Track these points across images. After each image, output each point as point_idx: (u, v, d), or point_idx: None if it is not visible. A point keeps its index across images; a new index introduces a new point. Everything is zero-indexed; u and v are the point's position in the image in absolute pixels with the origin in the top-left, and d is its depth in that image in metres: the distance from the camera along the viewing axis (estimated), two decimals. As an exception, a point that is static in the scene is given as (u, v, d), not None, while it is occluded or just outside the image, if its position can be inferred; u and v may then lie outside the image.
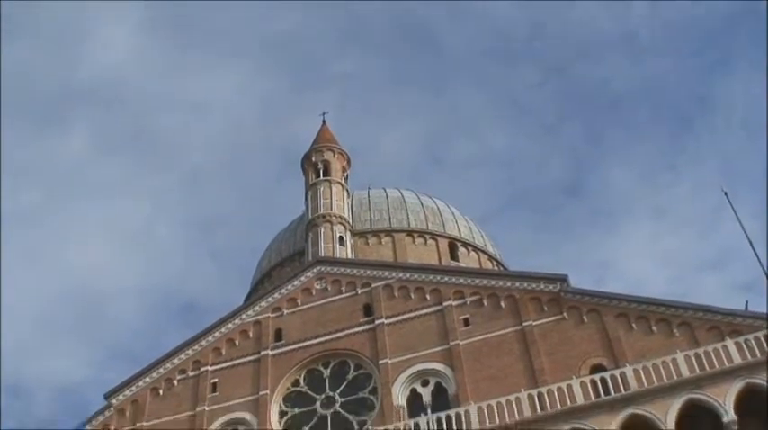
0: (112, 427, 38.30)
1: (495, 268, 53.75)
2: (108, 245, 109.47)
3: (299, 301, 40.16)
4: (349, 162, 52.05)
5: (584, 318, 34.83)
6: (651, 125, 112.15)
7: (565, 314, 35.26)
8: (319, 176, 49.95)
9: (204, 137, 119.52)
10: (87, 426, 38.57)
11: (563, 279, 36.19)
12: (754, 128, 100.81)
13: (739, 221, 32.38)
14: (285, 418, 36.74)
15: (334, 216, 47.87)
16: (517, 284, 36.90)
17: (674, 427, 28.50)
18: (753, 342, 29.72)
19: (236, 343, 39.58)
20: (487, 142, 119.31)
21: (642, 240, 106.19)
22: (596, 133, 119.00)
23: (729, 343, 30.07)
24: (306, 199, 49.86)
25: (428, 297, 38.03)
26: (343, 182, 50.36)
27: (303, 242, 49.38)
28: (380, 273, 39.85)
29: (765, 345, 29.37)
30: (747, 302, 33.16)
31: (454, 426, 30.99)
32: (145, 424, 37.82)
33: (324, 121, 55.33)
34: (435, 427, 31.20)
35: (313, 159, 50.90)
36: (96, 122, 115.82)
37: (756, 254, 31.25)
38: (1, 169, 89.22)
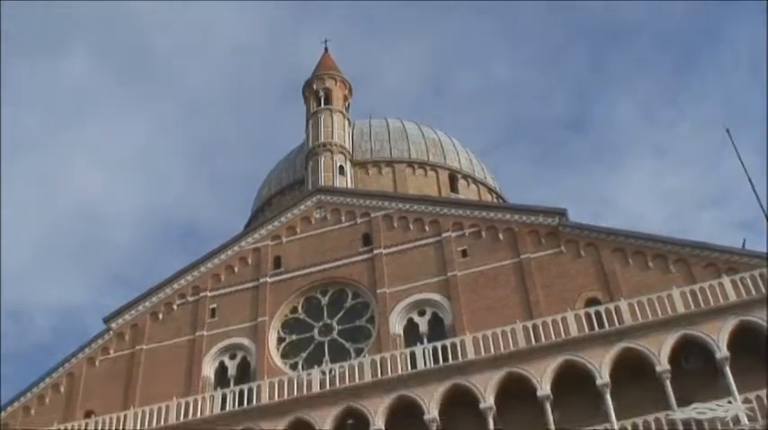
0: (112, 351, 38.76)
1: (495, 201, 53.81)
2: (107, 169, 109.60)
3: (298, 230, 40.31)
4: (351, 91, 51.70)
5: (582, 252, 35.02)
6: (655, 58, 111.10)
7: (562, 248, 35.43)
8: (320, 105, 49.69)
9: (205, 61, 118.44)
10: (87, 349, 39.04)
11: (562, 213, 36.28)
12: (760, 66, 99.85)
13: (740, 160, 32.28)
14: (283, 345, 37.20)
15: (335, 145, 47.79)
16: (516, 217, 37.01)
17: (667, 362, 28.91)
18: (748, 280, 29.93)
19: (236, 269, 39.84)
20: (491, 73, 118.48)
21: (642, 177, 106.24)
22: (600, 63, 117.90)
23: (725, 280, 30.29)
24: (306, 127, 49.65)
25: (427, 228, 38.17)
26: (344, 111, 50.11)
27: (303, 171, 49.36)
28: (380, 203, 39.92)
29: (761, 284, 29.62)
30: (745, 241, 33.41)
31: (450, 356, 31.41)
32: (144, 347, 38.26)
33: (326, 49, 54.85)
34: (431, 357, 31.63)
35: (314, 87, 50.55)
36: (96, 45, 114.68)
37: (756, 193, 31.24)
38: (1, 93, 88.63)
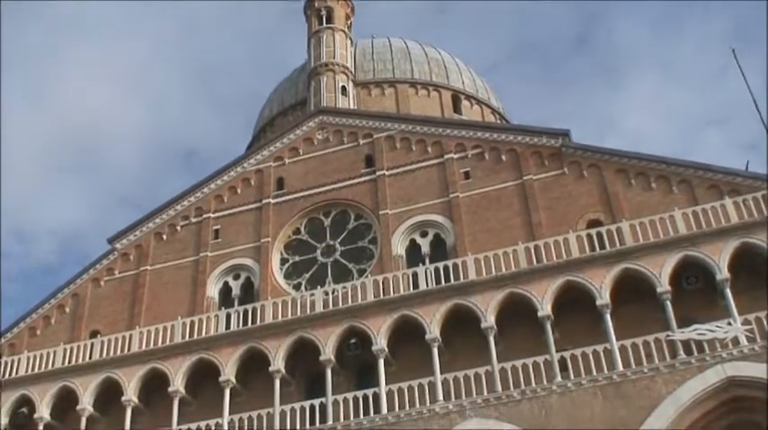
0: (117, 272, 39.05)
1: (498, 122, 53.51)
2: (107, 89, 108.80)
3: (300, 151, 40.17)
4: (353, 10, 50.84)
5: (584, 173, 34.92)
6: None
7: (565, 169, 35.32)
8: (322, 24, 48.92)
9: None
10: (92, 270, 39.33)
11: (565, 134, 36.07)
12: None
13: (745, 80, 31.94)
14: (286, 266, 37.45)
15: (337, 65, 47.26)
16: (519, 138, 36.79)
17: (667, 283, 29.10)
18: (751, 202, 29.88)
19: (238, 191, 39.83)
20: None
21: (646, 96, 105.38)
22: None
23: (728, 202, 30.25)
24: (308, 47, 49.01)
25: (429, 149, 38.01)
26: (346, 30, 49.36)
27: (305, 91, 48.97)
28: (382, 124, 39.67)
29: (763, 205, 29.59)
30: (748, 162, 33.18)
31: (451, 276, 31.64)
32: (149, 268, 38.52)
33: (328, -36, 53.71)
34: (433, 277, 31.87)
35: (316, 5, 49.66)
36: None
37: (760, 113, 31.00)
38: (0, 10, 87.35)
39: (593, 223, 33.02)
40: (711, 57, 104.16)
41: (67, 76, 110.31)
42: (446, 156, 37.29)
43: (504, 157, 36.43)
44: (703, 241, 29.53)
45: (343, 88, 46.56)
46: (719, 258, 28.98)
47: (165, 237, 39.53)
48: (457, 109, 52.07)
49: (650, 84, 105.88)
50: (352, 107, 45.93)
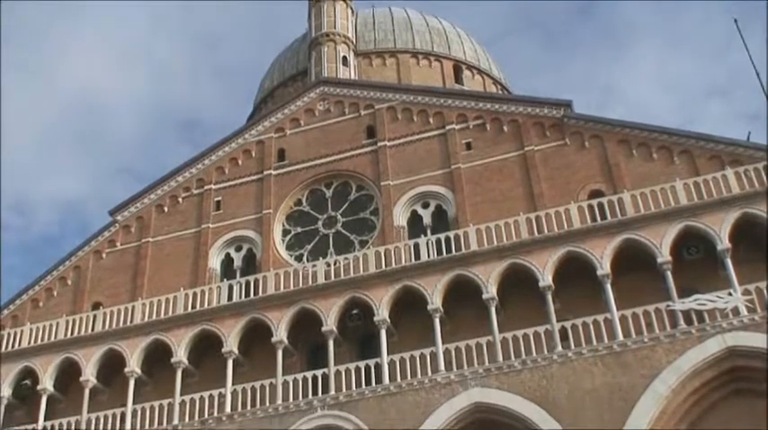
0: (118, 243, 39.12)
1: (500, 92, 53.31)
2: (107, 59, 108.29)
3: (301, 122, 40.07)
4: (354, -21, 50.48)
5: (586, 143, 34.85)
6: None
7: (567, 139, 35.24)
8: (323, -7, 48.54)
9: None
10: (93, 242, 39.39)
11: (567, 104, 35.96)
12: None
13: (747, 51, 31.76)
14: (288, 237, 37.49)
15: (338, 35, 47.02)
16: (521, 109, 36.67)
17: (668, 253, 29.14)
18: (752, 172, 29.83)
19: (240, 162, 39.78)
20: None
21: (649, 66, 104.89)
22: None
23: (729, 172, 30.20)
24: (309, 17, 48.70)
25: (431, 120, 37.91)
26: (347, -1, 49.02)
27: (306, 62, 48.76)
28: (384, 94, 39.52)
29: (764, 176, 29.55)
30: (750, 133, 33.03)
31: (453, 247, 31.69)
32: (150, 240, 38.58)
33: (328, -66, 53.25)
34: (435, 248, 31.92)
35: (316, -25, 49.28)
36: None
37: (762, 84, 30.85)
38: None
39: (595, 194, 33.01)
40: (715, 27, 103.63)
41: (67, 47, 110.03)
42: (448, 127, 37.19)
43: (505, 128, 36.34)
44: (704, 211, 29.53)
45: (344, 58, 46.35)
46: (720, 228, 28.99)
47: (166, 208, 39.55)
48: (458, 79, 51.86)
49: (653, 54, 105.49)
50: (353, 78, 45.79)
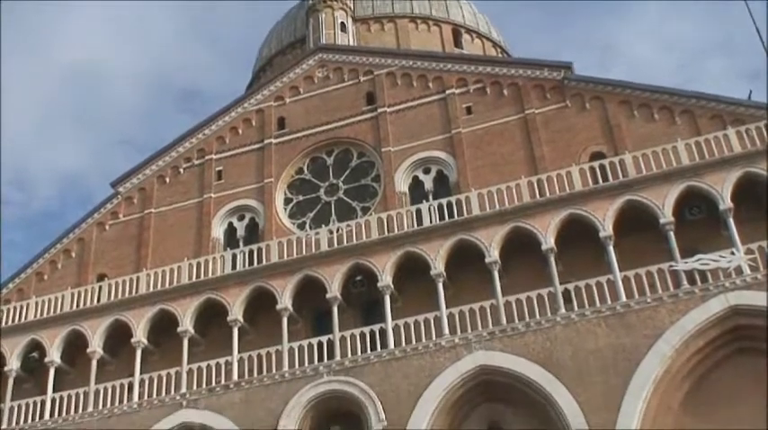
0: (121, 215, 39.18)
1: (499, 55, 53.03)
2: (105, 28, 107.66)
3: (301, 90, 39.94)
4: (350, -57, 49.98)
5: (587, 105, 34.75)
6: None
7: (567, 102, 35.14)
8: (320, -42, 48.11)
9: None
10: (96, 214, 39.44)
11: (567, 66, 35.81)
12: None
13: (748, 8, 31.46)
14: (290, 205, 37.53)
15: (336, 1, 46.64)
16: (521, 72, 36.53)
17: (671, 214, 29.16)
18: (754, 131, 29.73)
19: (240, 131, 39.71)
20: None
21: (649, 25, 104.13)
22: None
23: (730, 132, 30.12)
24: (306, -18, 48.33)
25: (431, 85, 37.78)
26: (344, -36, 48.58)
27: (304, 29, 48.48)
28: (383, 60, 39.36)
29: (766, 135, 29.47)
30: (751, 92, 32.91)
31: (455, 212, 31.72)
32: (153, 211, 38.63)
33: None
34: (437, 213, 31.95)
35: (313, -61, 48.82)
36: None
37: (762, 41, 30.60)
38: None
39: (596, 156, 32.97)
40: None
41: (65, 19, 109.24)
42: (447, 92, 37.08)
43: (505, 92, 36.22)
44: (706, 171, 29.50)
45: (343, 24, 46.06)
46: (722, 188, 28.97)
47: (167, 179, 39.56)
48: (458, 43, 51.59)
49: (653, 13, 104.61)
50: (351, 44, 45.53)
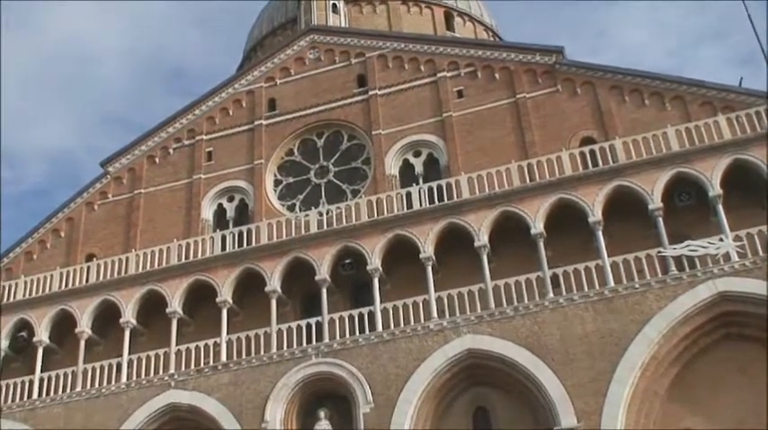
0: (110, 195, 39.05)
1: (491, 39, 52.89)
2: (92, 5, 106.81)
3: (292, 71, 39.78)
4: (343, -76, 49.64)
5: (578, 90, 34.70)
6: None
7: (559, 86, 35.09)
8: (312, -61, 47.79)
9: None
10: (85, 194, 39.31)
11: (559, 51, 35.73)
12: None
13: (740, -9, 31.45)
14: (280, 187, 37.46)
15: (327, -18, 46.40)
16: (512, 56, 36.45)
17: (660, 200, 29.22)
18: (744, 118, 29.77)
19: (230, 112, 39.55)
20: None
21: (641, 9, 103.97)
22: None
23: (721, 118, 30.13)
24: (298, -37, 48.00)
25: (422, 68, 37.66)
26: (336, -55, 48.27)
27: (295, 10, 48.20)
28: (375, 42, 39.20)
29: (756, 122, 29.52)
30: (742, 79, 32.98)
31: (445, 196, 31.73)
32: (143, 191, 38.50)
33: None
34: (427, 197, 31.95)
35: None
36: None
37: (754, 27, 30.65)
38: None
39: (587, 141, 32.99)
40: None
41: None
42: (439, 75, 36.98)
43: (497, 76, 36.15)
44: (696, 158, 29.54)
45: (334, 6, 45.76)
46: (712, 175, 29.03)
47: (157, 160, 39.43)
48: (450, 26, 51.42)
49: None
50: (343, 25, 45.26)
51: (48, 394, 32.35)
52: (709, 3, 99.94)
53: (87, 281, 34.09)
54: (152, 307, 33.28)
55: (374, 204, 32.37)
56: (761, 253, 27.42)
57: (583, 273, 28.78)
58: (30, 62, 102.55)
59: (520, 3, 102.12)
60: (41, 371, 32.97)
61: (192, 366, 31.25)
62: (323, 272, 31.40)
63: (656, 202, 29.16)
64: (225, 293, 32.20)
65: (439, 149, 35.41)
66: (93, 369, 32.30)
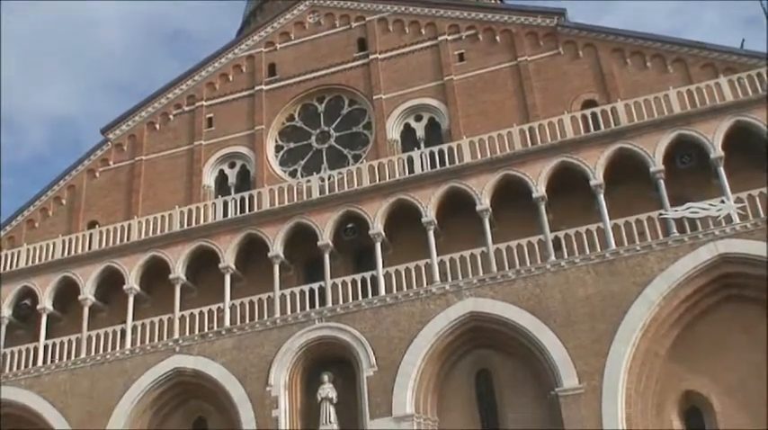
0: (111, 162, 39.05)
1: (493, 2, 52.47)
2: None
3: (292, 36, 39.58)
4: None
5: (580, 53, 34.53)
6: None
7: (560, 49, 34.91)
8: None
9: None
10: (86, 161, 39.30)
11: (561, 13, 35.50)
12: None
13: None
14: (281, 153, 37.42)
15: (327, -55, 45.96)
16: (514, 18, 36.22)
17: (661, 162, 29.19)
18: (746, 80, 29.64)
19: (230, 78, 39.42)
20: None
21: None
22: None
23: (722, 80, 30.01)
24: (296, -73, 47.49)
25: (423, 31, 37.46)
26: None
27: (295, -27, 47.78)
28: (375, 6, 38.89)
29: (758, 84, 29.40)
30: (743, 41, 32.85)
31: (447, 160, 31.70)
32: (144, 158, 38.50)
33: None
34: (428, 161, 31.93)
35: None
36: None
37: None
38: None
39: (588, 103, 32.89)
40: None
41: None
42: (440, 38, 36.80)
43: (498, 38, 35.96)
44: (698, 120, 29.46)
45: (334, -31, 45.38)
46: (713, 137, 28.97)
47: (158, 126, 39.38)
48: (450, -11, 50.91)
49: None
50: (343, -11, 44.90)
51: (52, 361, 32.61)
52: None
53: (90, 248, 34.20)
54: (155, 273, 33.41)
55: (376, 169, 32.37)
56: (762, 214, 27.47)
57: (584, 235, 28.84)
58: (29, 27, 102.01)
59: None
60: (45, 338, 33.20)
61: (197, 331, 31.46)
62: (325, 237, 31.47)
63: (657, 165, 29.14)
64: (228, 259, 32.31)
65: (440, 113, 35.31)
66: (98, 335, 32.52)
